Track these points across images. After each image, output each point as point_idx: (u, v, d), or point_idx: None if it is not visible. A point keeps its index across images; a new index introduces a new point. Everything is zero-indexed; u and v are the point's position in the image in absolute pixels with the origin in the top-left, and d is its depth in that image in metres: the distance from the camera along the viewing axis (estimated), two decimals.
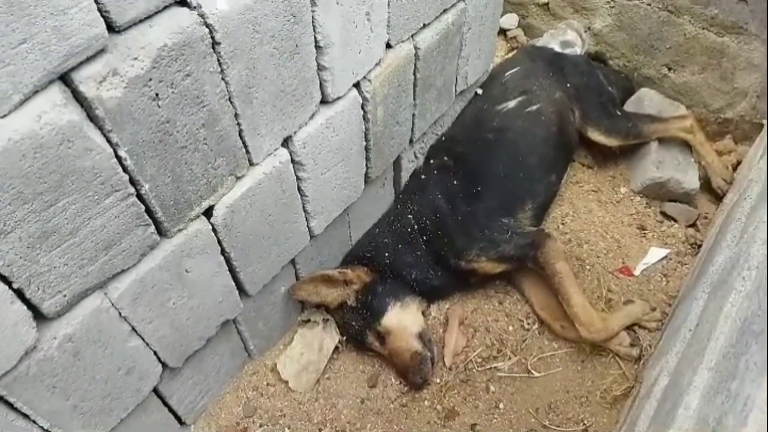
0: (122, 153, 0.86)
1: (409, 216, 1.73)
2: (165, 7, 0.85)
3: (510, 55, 2.29)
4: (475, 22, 1.61)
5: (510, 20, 2.51)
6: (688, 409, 0.66)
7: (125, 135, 0.85)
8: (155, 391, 1.27)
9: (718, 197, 1.95)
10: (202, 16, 0.87)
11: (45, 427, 1.02)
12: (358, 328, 1.59)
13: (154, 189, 0.95)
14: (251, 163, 1.14)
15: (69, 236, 0.86)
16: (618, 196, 2.00)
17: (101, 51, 0.79)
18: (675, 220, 1.91)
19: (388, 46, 1.33)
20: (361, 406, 1.57)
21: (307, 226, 1.41)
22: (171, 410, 1.37)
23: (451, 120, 1.91)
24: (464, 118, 1.91)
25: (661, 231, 1.89)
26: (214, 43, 0.91)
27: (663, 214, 1.94)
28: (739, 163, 2.02)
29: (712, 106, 2.10)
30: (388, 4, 1.23)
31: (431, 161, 1.84)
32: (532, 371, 1.60)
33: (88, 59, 0.78)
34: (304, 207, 1.36)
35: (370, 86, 1.31)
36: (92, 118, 0.81)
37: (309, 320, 1.66)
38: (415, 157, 1.81)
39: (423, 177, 1.80)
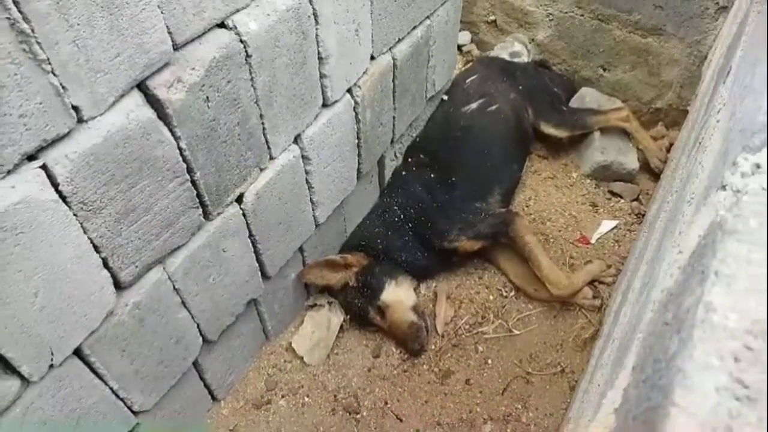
0: (183, 145, 1.08)
1: (395, 207, 1.97)
2: (210, 29, 1.08)
3: (467, 66, 2.59)
4: (439, 36, 1.89)
5: (464, 37, 2.82)
6: (634, 291, 0.91)
7: (185, 130, 1.07)
8: (194, 364, 1.46)
9: (656, 175, 2.26)
10: (238, 34, 1.11)
11: (114, 389, 1.20)
12: (361, 305, 1.81)
13: (203, 176, 1.16)
14: (271, 157, 1.36)
15: (143, 214, 1.07)
16: (571, 180, 2.30)
17: (167, 63, 1.01)
18: (621, 197, 2.21)
19: (372, 57, 1.58)
20: (368, 374, 1.78)
21: (313, 215, 1.63)
22: (206, 385, 1.55)
23: (423, 123, 2.17)
24: (434, 120, 2.18)
25: (610, 206, 2.19)
26: (247, 56, 1.14)
27: (610, 192, 2.24)
28: (671, 145, 2.34)
29: (643, 99, 2.44)
30: (372, 23, 1.49)
31: (409, 159, 2.09)
32: (513, 330, 1.85)
33: (158, 70, 1.00)
34: (310, 198, 1.58)
35: (360, 91, 1.56)
36: (161, 116, 1.03)
37: (315, 304, 1.87)
38: (395, 156, 2.06)
39: (404, 173, 2.05)
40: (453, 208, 1.94)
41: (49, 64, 0.82)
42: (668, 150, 2.31)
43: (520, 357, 1.78)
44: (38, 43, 0.79)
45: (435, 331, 1.87)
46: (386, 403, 1.72)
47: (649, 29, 2.26)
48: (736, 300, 0.40)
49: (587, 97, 2.44)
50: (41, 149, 0.87)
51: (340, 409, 1.70)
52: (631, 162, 2.24)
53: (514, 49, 2.61)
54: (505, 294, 1.95)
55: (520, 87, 2.26)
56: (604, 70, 2.48)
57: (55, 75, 0.83)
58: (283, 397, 1.71)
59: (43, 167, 0.88)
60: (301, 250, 1.71)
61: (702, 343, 0.38)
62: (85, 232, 0.97)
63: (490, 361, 1.79)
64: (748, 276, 0.41)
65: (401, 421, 1.68)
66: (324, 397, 1.72)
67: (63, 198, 0.91)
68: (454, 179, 1.99)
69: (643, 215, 2.11)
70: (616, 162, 2.22)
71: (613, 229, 2.08)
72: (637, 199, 2.20)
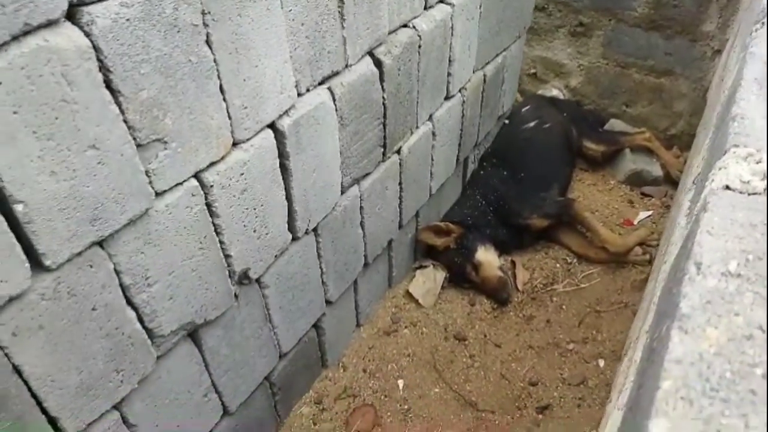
0: (384, 95, 1.65)
1: (478, 196, 2.51)
2: (401, 27, 1.68)
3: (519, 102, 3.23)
4: (510, 66, 2.53)
5: None
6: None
7: (387, 86, 1.64)
8: (354, 283, 1.93)
9: (675, 183, 2.83)
10: (416, 31, 1.71)
11: (323, 270, 1.68)
12: (460, 262, 2.30)
13: (389, 123, 1.72)
14: (417, 126, 1.92)
15: (360, 139, 1.61)
16: (609, 186, 2.86)
17: (382, 42, 1.60)
18: (652, 196, 2.77)
19: (473, 71, 2.20)
20: (468, 316, 2.24)
21: (429, 185, 2.18)
22: (356, 305, 2.01)
23: (492, 139, 2.77)
24: (501, 136, 2.78)
25: (644, 203, 2.74)
26: (419, 46, 1.74)
27: (642, 194, 2.80)
28: (685, 161, 2.93)
29: (660, 128, 3.06)
30: (477, 44, 2.12)
31: (484, 164, 2.67)
32: (580, 284, 2.33)
33: (379, 44, 1.59)
34: (431, 169, 2.13)
35: (466, 93, 2.16)
36: (379, 73, 1.60)
37: (422, 265, 2.35)
38: (474, 161, 2.64)
39: (482, 173, 2.62)
40: (524, 195, 2.49)
41: (345, 22, 1.40)
42: (684, 164, 2.90)
43: (589, 301, 2.25)
44: (346, 9, 1.38)
45: (516, 288, 2.35)
46: (485, 335, 2.17)
47: (661, 72, 2.92)
48: None
49: (616, 126, 3.06)
50: (328, 78, 1.44)
51: (451, 337, 2.14)
52: (657, 170, 2.82)
53: (552, 93, 3.27)
54: (569, 261, 2.45)
55: (565, 114, 2.88)
56: (627, 106, 3.12)
57: (345, 30, 1.41)
58: (406, 327, 2.16)
59: (329, 89, 1.44)
60: (416, 215, 2.23)
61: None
62: (339, 139, 1.51)
63: (564, 307, 2.26)
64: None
65: (499, 347, 2.12)
66: (437, 329, 2.17)
67: (336, 110, 1.46)
68: (522, 175, 2.55)
69: (671, 207, 2.66)
70: (645, 170, 2.80)
71: (649, 216, 2.62)
72: (665, 197, 2.75)
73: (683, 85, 2.89)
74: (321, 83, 1.43)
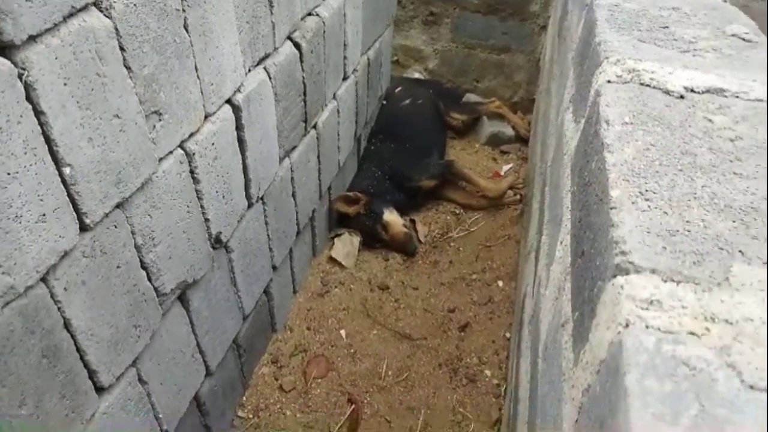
0: (304, 75, 1.88)
1: (374, 168, 2.83)
2: (308, 14, 1.92)
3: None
4: (384, 51, 2.87)
5: None
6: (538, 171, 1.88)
7: (305, 66, 1.88)
8: (289, 251, 2.13)
9: (525, 141, 3.40)
10: (320, 18, 1.97)
11: (269, 236, 1.87)
12: (371, 225, 2.60)
13: (308, 100, 1.95)
14: (325, 104, 2.18)
15: (290, 114, 1.83)
16: (475, 148, 3.35)
17: (297, 27, 1.83)
18: (509, 152, 3.30)
19: (360, 54, 2.50)
20: (385, 270, 2.54)
21: (338, 158, 2.44)
22: (292, 272, 2.21)
23: (374, 119, 3.10)
24: (383, 115, 3.12)
25: (504, 158, 3.26)
26: (324, 32, 1.99)
27: (502, 151, 3.32)
28: (529, 123, 3.52)
29: (505, 96, 3.62)
30: (362, 31, 2.42)
31: (373, 140, 2.99)
32: (470, 229, 2.75)
33: (295, 30, 1.82)
34: (338, 145, 2.39)
35: (358, 74, 2.46)
36: (299, 55, 1.83)
37: (338, 234, 2.61)
38: (364, 138, 2.95)
39: (372, 148, 2.94)
40: (411, 163, 2.86)
41: (273, 8, 1.62)
42: (528, 124, 3.49)
43: (479, 240, 2.68)
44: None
45: (419, 240, 2.71)
46: (403, 282, 2.49)
47: (500, 49, 3.47)
48: None
49: (471, 99, 3.57)
50: (263, 59, 1.64)
51: (376, 288, 2.43)
52: (509, 131, 3.37)
53: (414, 76, 3.69)
54: (458, 212, 2.87)
55: (431, 91, 3.31)
56: (477, 81, 3.65)
57: (273, 16, 1.63)
58: (336, 287, 2.40)
59: (264, 68, 1.64)
60: (329, 188, 2.48)
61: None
62: (275, 114, 1.72)
63: (461, 249, 2.66)
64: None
65: (416, 289, 2.46)
66: (362, 284, 2.45)
67: (272, 87, 1.67)
68: (407, 146, 2.92)
69: (526, 158, 3.21)
70: (500, 132, 3.33)
71: (511, 167, 3.14)
72: (519, 151, 3.30)
73: (519, 58, 3.47)
74: (258, 64, 1.63)
